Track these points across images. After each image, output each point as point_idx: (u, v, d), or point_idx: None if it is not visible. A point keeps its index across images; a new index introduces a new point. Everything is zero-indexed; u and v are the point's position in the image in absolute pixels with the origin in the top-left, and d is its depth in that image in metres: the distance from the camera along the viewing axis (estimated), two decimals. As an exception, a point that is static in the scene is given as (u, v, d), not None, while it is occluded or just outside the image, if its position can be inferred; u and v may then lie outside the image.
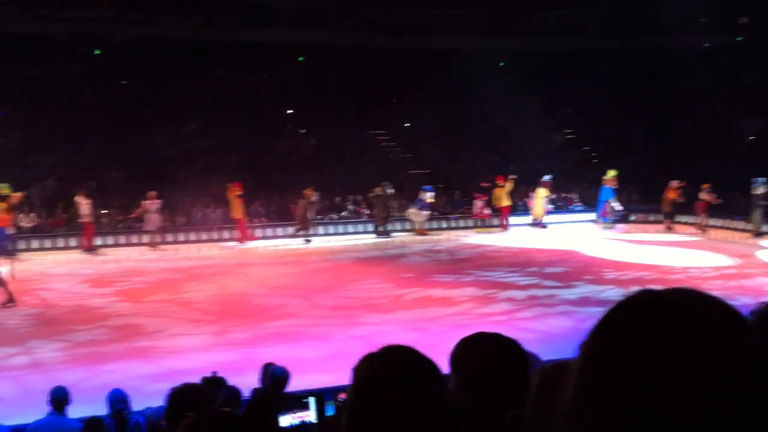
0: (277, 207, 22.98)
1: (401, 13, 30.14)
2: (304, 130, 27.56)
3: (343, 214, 23.56)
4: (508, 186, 22.89)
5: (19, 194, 18.44)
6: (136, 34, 26.42)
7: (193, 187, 21.74)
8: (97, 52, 27.03)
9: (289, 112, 28.37)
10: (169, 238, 20.96)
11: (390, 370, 1.63)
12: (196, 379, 5.08)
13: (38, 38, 25.31)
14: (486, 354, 2.19)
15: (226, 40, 27.17)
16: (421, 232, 22.49)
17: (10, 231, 18.30)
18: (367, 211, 23.37)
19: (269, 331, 11.34)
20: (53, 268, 17.53)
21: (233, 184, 20.89)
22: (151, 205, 20.15)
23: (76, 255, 19.35)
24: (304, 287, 14.82)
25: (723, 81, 28.39)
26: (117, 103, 25.27)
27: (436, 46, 29.63)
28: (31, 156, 22.86)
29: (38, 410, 6.59)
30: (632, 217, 24.31)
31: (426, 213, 22.81)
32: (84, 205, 19.65)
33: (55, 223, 20.96)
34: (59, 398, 6.45)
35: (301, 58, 29.48)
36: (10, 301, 13.54)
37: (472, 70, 27.20)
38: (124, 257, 19.16)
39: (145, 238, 20.55)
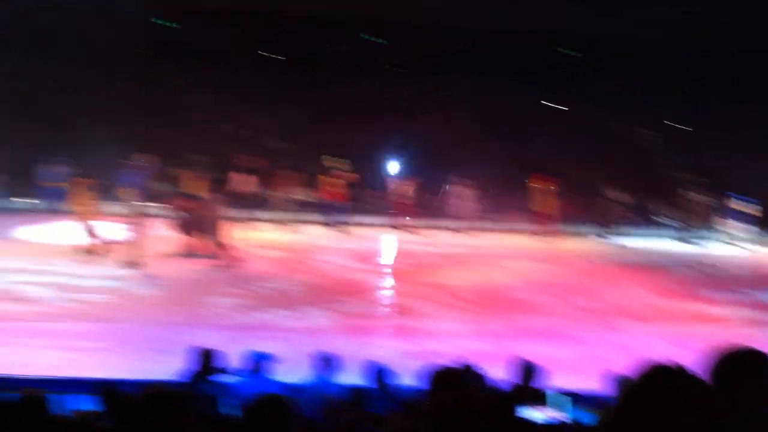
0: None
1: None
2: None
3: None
4: None
5: (355, 176, 20.04)
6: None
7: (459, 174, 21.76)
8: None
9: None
10: (436, 222, 21.26)
11: (672, 391, 1.62)
12: (450, 363, 5.29)
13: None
14: (747, 368, 2.13)
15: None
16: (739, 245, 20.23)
17: (343, 205, 19.99)
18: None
19: (523, 326, 11.40)
20: (325, 242, 18.74)
21: (545, 177, 20.39)
22: (465, 191, 20.57)
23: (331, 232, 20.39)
24: (562, 285, 14.65)
25: None
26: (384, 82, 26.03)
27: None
28: (314, 131, 24.22)
29: (305, 371, 7.18)
30: None
31: (744, 226, 20.29)
32: (402, 186, 20.63)
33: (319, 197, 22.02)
34: (329, 363, 6.99)
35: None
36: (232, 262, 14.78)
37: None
38: (392, 238, 20.01)
39: (447, 224, 20.93)
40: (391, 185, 21.14)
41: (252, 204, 20.44)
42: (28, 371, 7.76)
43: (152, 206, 16.70)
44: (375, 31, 28.32)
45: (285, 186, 20.37)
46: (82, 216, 15.55)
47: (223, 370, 6.81)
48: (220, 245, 14.90)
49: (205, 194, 16.05)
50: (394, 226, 20.72)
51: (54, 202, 19.06)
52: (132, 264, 14.29)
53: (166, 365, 7.35)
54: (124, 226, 14.92)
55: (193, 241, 15.26)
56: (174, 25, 26.47)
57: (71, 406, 5.61)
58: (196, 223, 14.99)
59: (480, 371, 5.76)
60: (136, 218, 15.00)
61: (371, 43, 28.42)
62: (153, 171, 20.22)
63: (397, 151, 23.87)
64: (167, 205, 16.23)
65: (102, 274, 13.81)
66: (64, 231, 16.56)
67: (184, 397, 3.67)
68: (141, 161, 20.60)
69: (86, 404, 5.74)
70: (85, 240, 15.36)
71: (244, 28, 25.51)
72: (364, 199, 21.84)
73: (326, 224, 20.17)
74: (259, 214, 20.37)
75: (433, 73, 26.53)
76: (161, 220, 15.97)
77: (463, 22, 26.90)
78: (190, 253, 15.23)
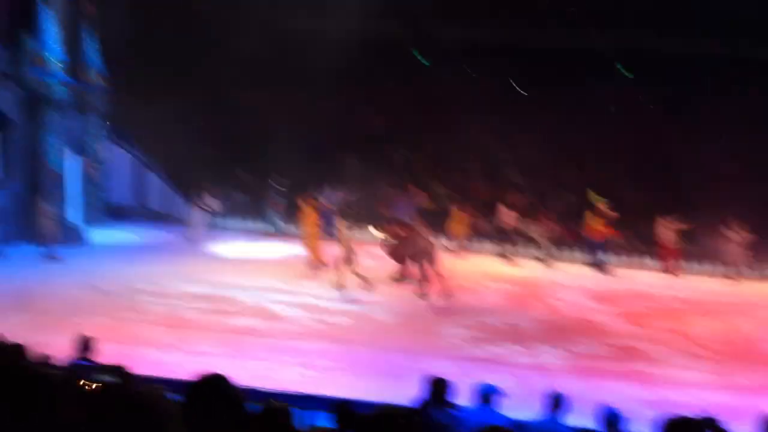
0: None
1: None
2: None
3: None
4: None
5: (616, 214, 19.74)
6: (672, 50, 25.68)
7: (713, 215, 20.25)
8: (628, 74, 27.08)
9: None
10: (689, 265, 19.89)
11: None
12: (690, 414, 4.99)
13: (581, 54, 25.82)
14: None
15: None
16: None
17: (602, 243, 19.75)
18: None
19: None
20: (570, 279, 18.17)
21: None
22: (736, 234, 19.29)
23: (583, 269, 19.73)
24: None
25: None
26: (642, 119, 24.97)
27: None
28: (554, 168, 23.79)
29: (533, 409, 7.06)
30: None
31: None
32: (667, 228, 19.82)
33: (569, 235, 21.59)
34: (558, 403, 6.83)
35: None
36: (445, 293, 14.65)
37: None
38: (631, 278, 19.09)
39: (712, 269, 19.76)
40: (657, 226, 20.16)
41: (511, 238, 20.57)
42: (271, 385, 8.26)
43: (374, 232, 17.08)
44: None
45: (543, 223, 20.44)
46: (310, 239, 16.54)
47: (453, 401, 6.87)
48: (435, 274, 14.97)
49: (418, 223, 16.26)
50: (655, 268, 19.80)
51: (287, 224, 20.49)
52: (354, 286, 14.82)
53: (398, 390, 7.55)
54: (349, 250, 15.37)
55: (408, 268, 15.51)
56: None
57: (308, 421, 5.91)
58: (410, 250, 15.24)
59: (724, 427, 5.39)
60: (358, 244, 15.54)
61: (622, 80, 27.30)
62: (415, 204, 20.81)
63: (658, 190, 22.70)
64: (383, 232, 16.52)
65: (337, 297, 14.47)
66: (299, 252, 17.42)
67: (416, 422, 3.75)
68: (403, 192, 21.41)
69: (322, 421, 6.02)
70: (314, 262, 16.23)
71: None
72: (624, 238, 21.09)
73: (584, 262, 19.81)
74: (514, 248, 20.38)
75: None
76: (381, 246, 16.26)
77: None
78: (405, 280, 15.49)
